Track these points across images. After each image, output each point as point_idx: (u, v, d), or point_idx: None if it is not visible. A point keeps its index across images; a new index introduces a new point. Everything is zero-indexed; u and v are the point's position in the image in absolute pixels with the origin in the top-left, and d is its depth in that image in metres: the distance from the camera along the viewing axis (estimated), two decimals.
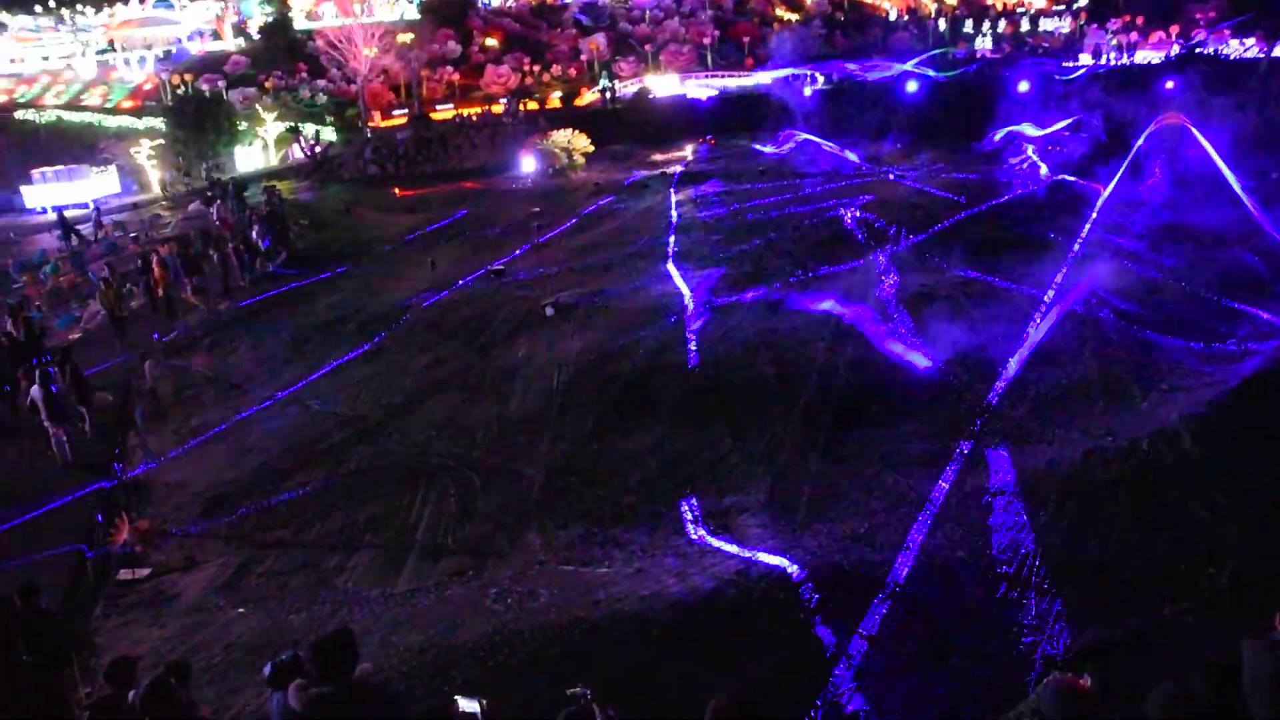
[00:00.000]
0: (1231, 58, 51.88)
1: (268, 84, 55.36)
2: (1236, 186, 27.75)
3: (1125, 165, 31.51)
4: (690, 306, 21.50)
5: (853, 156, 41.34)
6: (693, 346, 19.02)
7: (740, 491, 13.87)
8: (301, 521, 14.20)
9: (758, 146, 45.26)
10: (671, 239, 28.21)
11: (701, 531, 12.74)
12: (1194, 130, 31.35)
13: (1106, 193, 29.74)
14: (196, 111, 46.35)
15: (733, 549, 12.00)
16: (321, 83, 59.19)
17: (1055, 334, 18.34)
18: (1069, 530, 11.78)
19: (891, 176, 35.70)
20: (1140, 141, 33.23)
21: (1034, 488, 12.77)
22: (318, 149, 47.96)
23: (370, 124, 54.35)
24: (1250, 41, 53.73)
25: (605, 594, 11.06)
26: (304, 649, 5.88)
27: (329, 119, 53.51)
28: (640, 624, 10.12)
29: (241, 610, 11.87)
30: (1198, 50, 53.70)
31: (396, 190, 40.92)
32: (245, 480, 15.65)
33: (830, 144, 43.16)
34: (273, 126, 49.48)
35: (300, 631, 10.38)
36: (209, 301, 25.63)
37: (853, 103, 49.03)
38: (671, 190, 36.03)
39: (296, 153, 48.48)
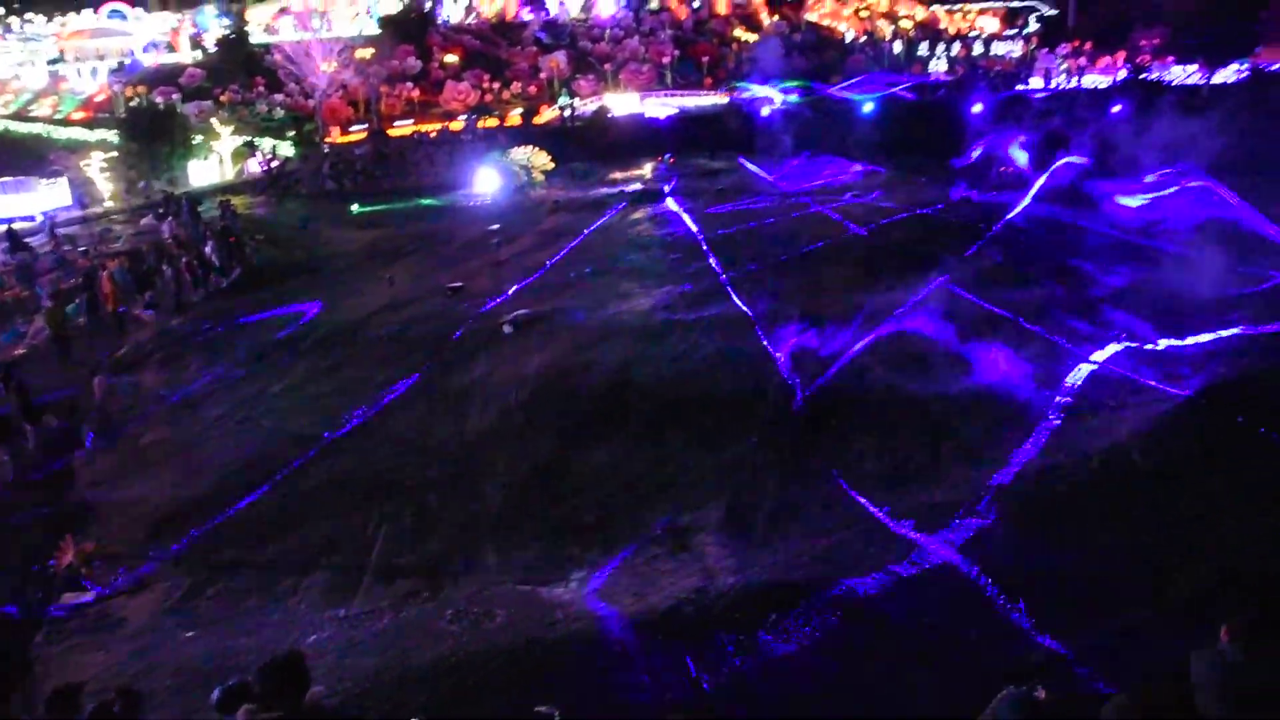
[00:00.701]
0: (1175, 83, 53.23)
1: (224, 97, 54.81)
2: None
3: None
4: (650, 324, 21.53)
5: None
6: (652, 364, 19.04)
7: (699, 509, 13.86)
8: (254, 542, 13.98)
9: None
10: (631, 256, 28.27)
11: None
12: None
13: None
14: (150, 124, 45.67)
15: None
16: (279, 97, 58.69)
17: (1007, 349, 18.59)
18: (1024, 545, 11.92)
19: (849, 197, 36.00)
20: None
21: (989, 504, 12.92)
22: (274, 164, 47.49)
23: (328, 139, 53.94)
24: (1193, 68, 55.22)
25: (562, 614, 11.00)
26: (254, 673, 5.78)
27: (287, 134, 53.00)
28: (597, 644, 10.06)
29: (191, 634, 11.64)
30: (1143, 76, 55.04)
31: (354, 206, 40.60)
32: (196, 500, 15.37)
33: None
34: (229, 140, 48.93)
35: (251, 655, 10.18)
36: (161, 317, 25.22)
37: (813, 122, 49.54)
38: (630, 208, 36.13)
39: (253, 167, 47.97)
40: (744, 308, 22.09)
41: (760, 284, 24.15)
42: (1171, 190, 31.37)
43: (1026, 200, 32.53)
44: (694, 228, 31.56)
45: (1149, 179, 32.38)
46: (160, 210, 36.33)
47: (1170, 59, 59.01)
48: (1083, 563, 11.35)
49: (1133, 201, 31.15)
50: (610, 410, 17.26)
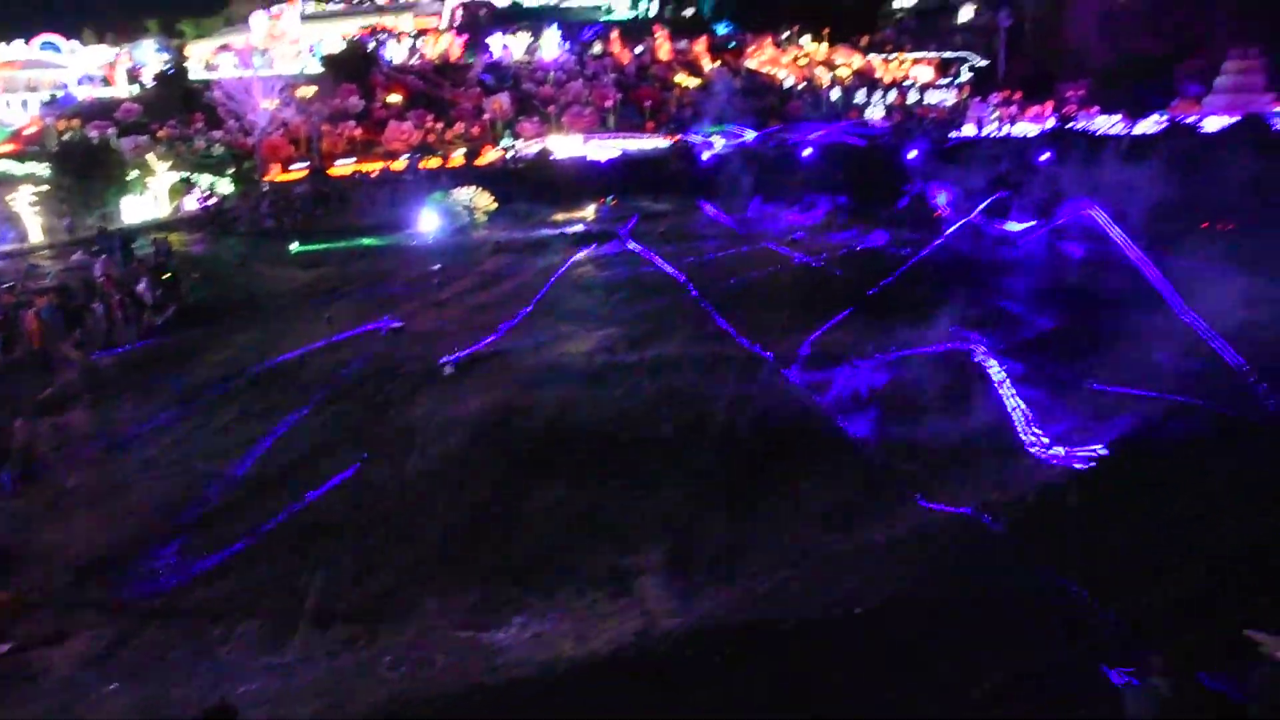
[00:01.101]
0: (1099, 133, 55.27)
1: (161, 133, 54.09)
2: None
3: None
4: (591, 365, 21.54)
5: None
6: (594, 405, 19.03)
7: (640, 551, 13.81)
8: (182, 589, 13.57)
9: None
10: (572, 297, 28.32)
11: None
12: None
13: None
14: (83, 158, 44.83)
15: None
16: (218, 134, 58.09)
17: (946, 390, 18.97)
18: (961, 584, 12.07)
19: (796, 237, 36.52)
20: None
21: (927, 542, 13.09)
22: (212, 201, 46.87)
23: (268, 177, 53.43)
24: (1116, 118, 57.42)
25: (503, 659, 10.85)
26: None
27: (225, 171, 52.39)
28: (538, 690, 9.93)
29: (115, 686, 11.23)
30: (1070, 126, 57.07)
31: (294, 245, 40.13)
32: (124, 545, 14.89)
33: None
34: (165, 176, 48.14)
35: (180, 708, 9.88)
36: (90, 357, 24.58)
37: (760, 166, 50.41)
38: (572, 249, 36.27)
39: (190, 204, 47.27)
40: (686, 348, 22.22)
41: (702, 325, 24.35)
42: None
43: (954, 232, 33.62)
44: (635, 268, 31.78)
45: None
46: (94, 247, 35.57)
47: (1095, 109, 61.29)
48: (1022, 597, 11.55)
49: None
50: (551, 452, 17.18)
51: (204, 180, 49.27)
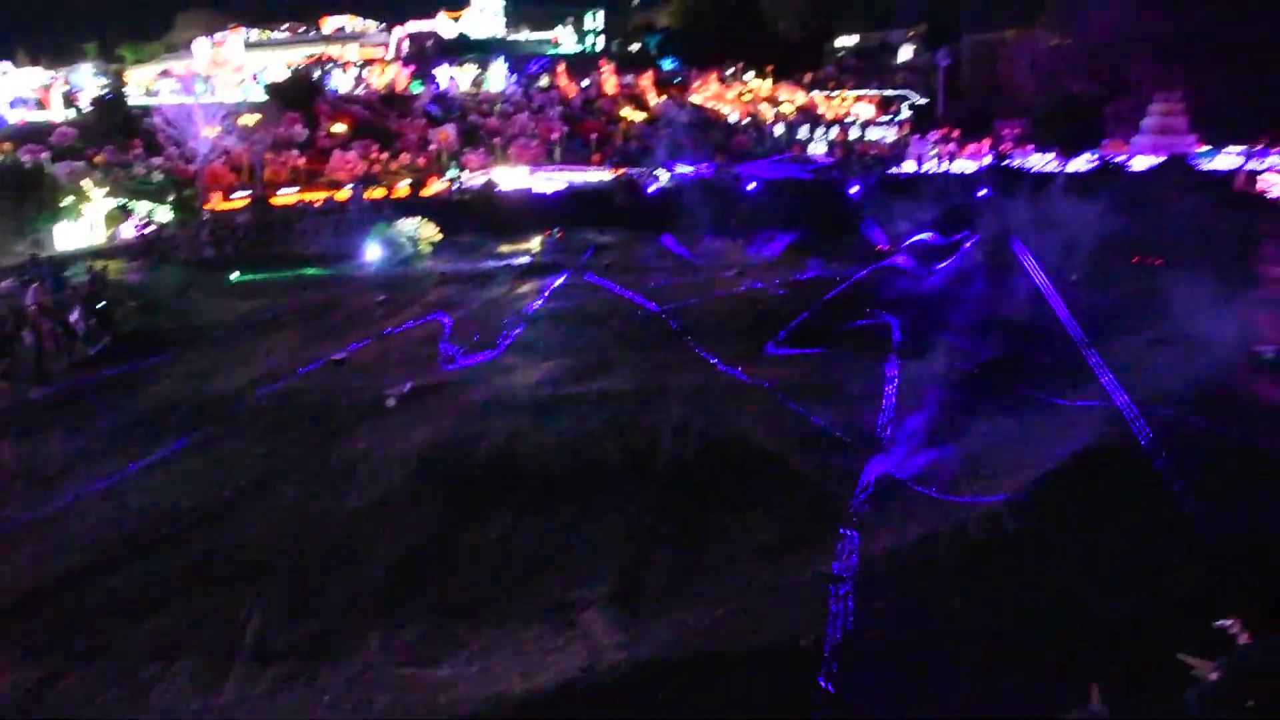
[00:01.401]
0: (1034, 170, 56.82)
1: (98, 159, 53.03)
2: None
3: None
4: (537, 396, 21.47)
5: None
6: (540, 436, 18.96)
7: (587, 583, 13.73)
8: (114, 627, 13.17)
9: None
10: (517, 329, 28.24)
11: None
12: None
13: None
14: (15, 183, 43.80)
15: None
16: (158, 160, 57.15)
17: (889, 421, 19.23)
18: (903, 613, 12.19)
19: (729, 274, 36.84)
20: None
21: (872, 574, 13.20)
22: (150, 229, 46.04)
23: (208, 205, 52.66)
24: (1050, 156, 59.09)
25: (446, 697, 10.70)
26: None
27: (165, 198, 51.53)
28: None
29: None
30: (1005, 162, 58.58)
31: (234, 275, 39.56)
32: (52, 583, 14.42)
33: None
34: (101, 203, 47.23)
35: None
36: (19, 387, 23.92)
37: (697, 199, 50.86)
38: (518, 281, 36.25)
39: (127, 232, 46.39)
40: (632, 380, 22.26)
41: (649, 356, 24.44)
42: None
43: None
44: (579, 300, 31.84)
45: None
46: (24, 275, 34.67)
47: (1030, 147, 63.03)
48: (957, 630, 11.69)
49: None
50: (496, 485, 17.05)
51: (142, 207, 48.42)
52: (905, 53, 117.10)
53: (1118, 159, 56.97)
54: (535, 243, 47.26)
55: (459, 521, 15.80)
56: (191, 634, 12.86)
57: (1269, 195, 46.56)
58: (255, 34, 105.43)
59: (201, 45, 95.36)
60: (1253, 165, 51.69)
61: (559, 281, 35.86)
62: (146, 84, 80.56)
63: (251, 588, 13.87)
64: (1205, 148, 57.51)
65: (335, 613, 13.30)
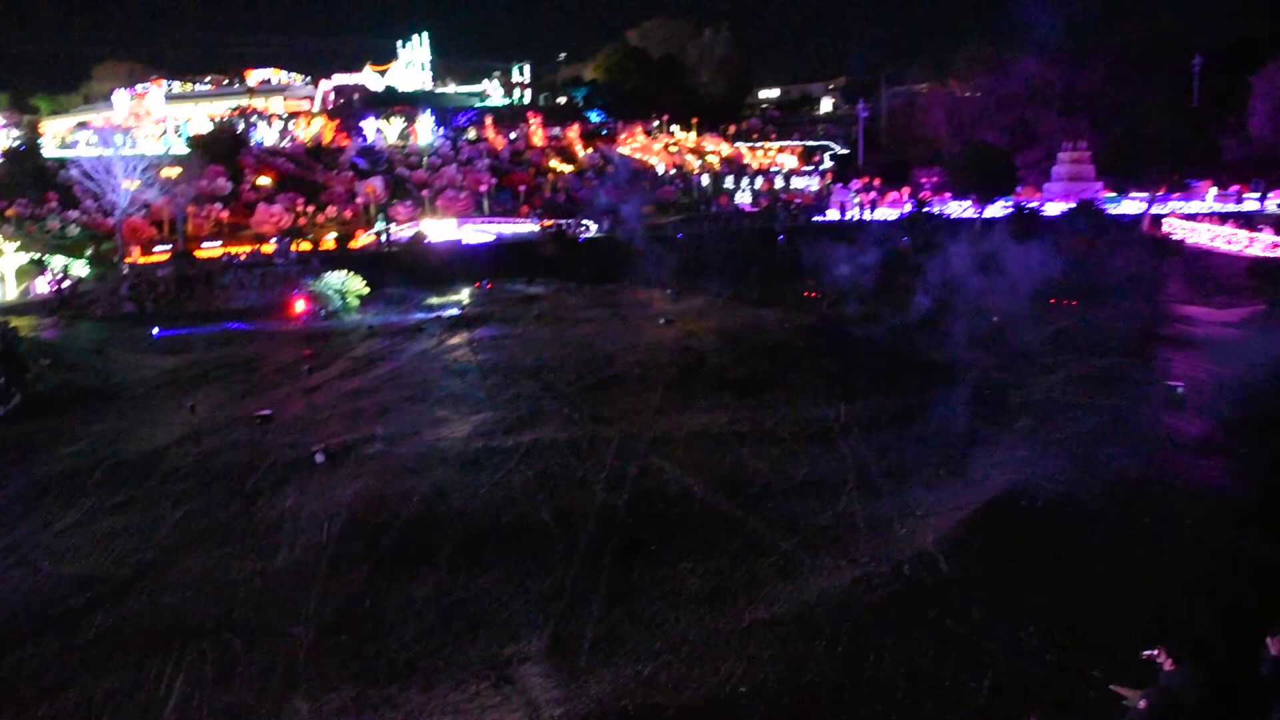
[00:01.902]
0: (952, 217, 58.47)
1: (10, 212, 51.74)
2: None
3: None
4: (467, 450, 21.29)
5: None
6: (470, 491, 18.76)
7: (521, 639, 13.56)
8: (24, 702, 12.61)
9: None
10: (447, 382, 28.04)
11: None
12: None
13: None
14: None
15: None
16: (74, 214, 55.95)
17: (818, 466, 19.43)
18: (843, 656, 12.24)
19: (659, 323, 37.11)
20: None
21: (810, 616, 13.26)
22: (66, 284, 44.87)
23: (128, 259, 51.56)
24: (967, 203, 60.88)
25: None
26: None
27: (82, 252, 50.36)
28: None
29: None
30: (925, 210, 60.17)
31: (155, 330, 38.68)
32: None
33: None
34: (13, 258, 45.96)
35: None
36: None
37: (627, 249, 51.38)
38: (448, 333, 36.04)
39: (40, 287, 45.14)
40: (562, 432, 22.20)
41: (579, 407, 24.42)
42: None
43: None
44: (509, 352, 31.75)
45: None
46: None
47: (948, 195, 64.90)
48: (894, 671, 11.79)
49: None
50: (426, 540, 16.81)
51: (57, 262, 47.25)
52: (826, 104, 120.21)
53: (1031, 205, 58.93)
54: (465, 294, 47.12)
55: (388, 580, 15.52)
56: (106, 708, 12.36)
57: (1173, 238, 48.49)
58: (177, 86, 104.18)
59: (121, 97, 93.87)
60: (1156, 209, 53.89)
61: (489, 333, 35.76)
62: (63, 136, 78.95)
63: (170, 657, 13.41)
64: (1111, 194, 59.84)
65: (260, 680, 12.91)
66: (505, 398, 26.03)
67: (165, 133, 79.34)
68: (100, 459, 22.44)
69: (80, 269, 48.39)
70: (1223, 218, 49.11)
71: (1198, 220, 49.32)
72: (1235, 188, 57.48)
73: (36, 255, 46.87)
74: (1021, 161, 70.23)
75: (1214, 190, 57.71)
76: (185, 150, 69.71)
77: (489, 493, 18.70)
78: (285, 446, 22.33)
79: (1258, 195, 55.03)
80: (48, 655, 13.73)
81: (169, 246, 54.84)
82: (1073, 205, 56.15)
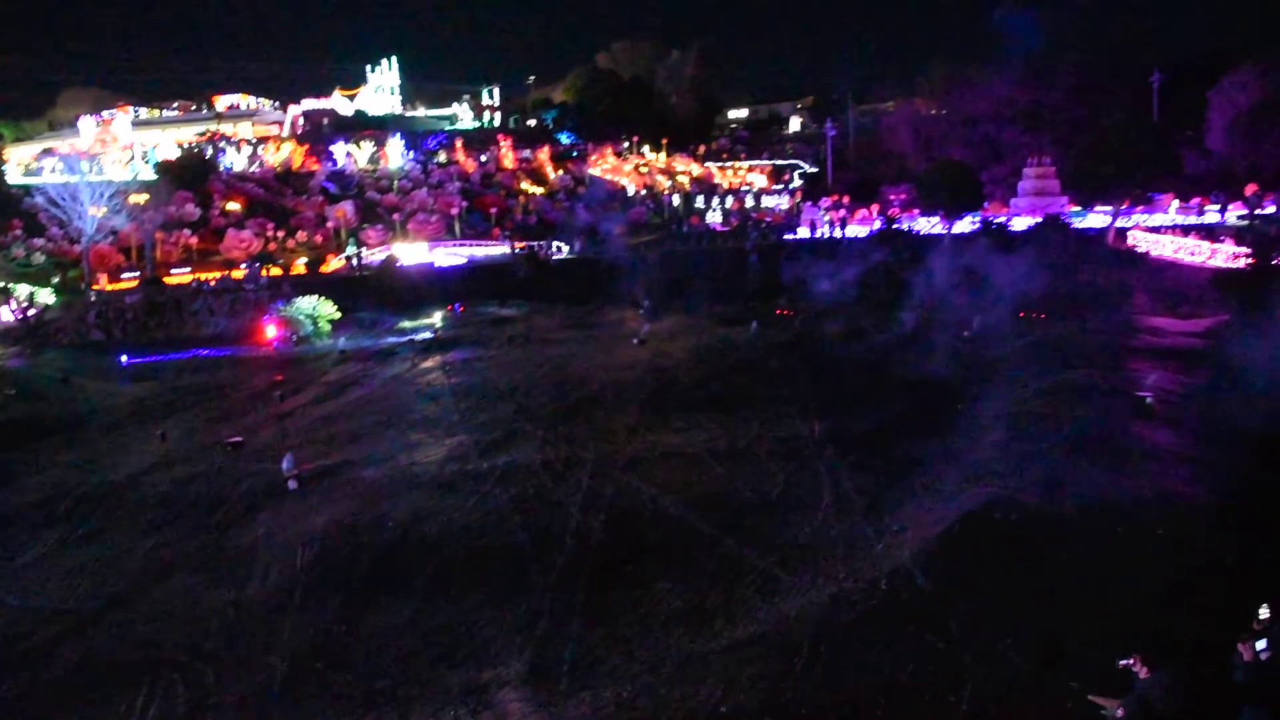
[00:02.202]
0: (921, 233, 58.99)
1: None
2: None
3: None
4: (442, 474, 21.16)
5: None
6: (445, 516, 18.64)
7: (500, 664, 13.47)
8: None
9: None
10: (421, 406, 27.90)
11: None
12: None
13: None
14: None
15: None
16: (40, 241, 55.36)
17: (794, 483, 19.45)
18: (823, 674, 12.24)
19: (632, 343, 37.11)
20: None
21: (788, 634, 13.25)
22: (32, 311, 44.33)
23: (96, 286, 51.04)
24: (935, 219, 61.45)
25: None
26: None
27: (49, 280, 49.82)
28: None
29: None
30: (895, 227, 60.65)
31: (124, 357, 38.26)
32: None
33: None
34: None
35: None
36: None
37: (600, 269, 51.41)
38: (420, 357, 35.88)
39: (5, 315, 44.58)
40: (537, 454, 22.12)
41: (553, 429, 24.35)
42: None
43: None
44: (483, 375, 31.65)
45: None
46: None
47: (916, 211, 65.51)
48: (875, 685, 11.81)
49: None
50: (402, 566, 16.68)
51: (22, 290, 46.69)
52: (794, 124, 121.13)
53: (999, 220, 59.56)
54: (437, 318, 46.97)
55: (363, 607, 15.38)
56: None
57: (1138, 250, 49.16)
58: (144, 112, 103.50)
59: (87, 123, 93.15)
60: (1121, 223, 54.65)
61: (462, 356, 35.63)
62: (27, 163, 78.19)
63: (141, 690, 13.21)
64: (1076, 208, 60.65)
65: (234, 712, 12.75)
66: (479, 421, 25.91)
67: (132, 159, 78.75)
68: (68, 489, 22.14)
69: (46, 297, 47.85)
70: (1185, 230, 49.86)
71: (1161, 233, 50.04)
72: (1196, 200, 58.41)
73: (1, 284, 46.28)
74: (988, 177, 71.10)
75: (1176, 203, 58.62)
76: (153, 176, 69.21)
77: (464, 517, 18.58)
78: (257, 473, 22.14)
79: (1218, 207, 55.95)
80: (16, 691, 13.50)
81: (137, 273, 54.35)
82: (1039, 220, 56.83)
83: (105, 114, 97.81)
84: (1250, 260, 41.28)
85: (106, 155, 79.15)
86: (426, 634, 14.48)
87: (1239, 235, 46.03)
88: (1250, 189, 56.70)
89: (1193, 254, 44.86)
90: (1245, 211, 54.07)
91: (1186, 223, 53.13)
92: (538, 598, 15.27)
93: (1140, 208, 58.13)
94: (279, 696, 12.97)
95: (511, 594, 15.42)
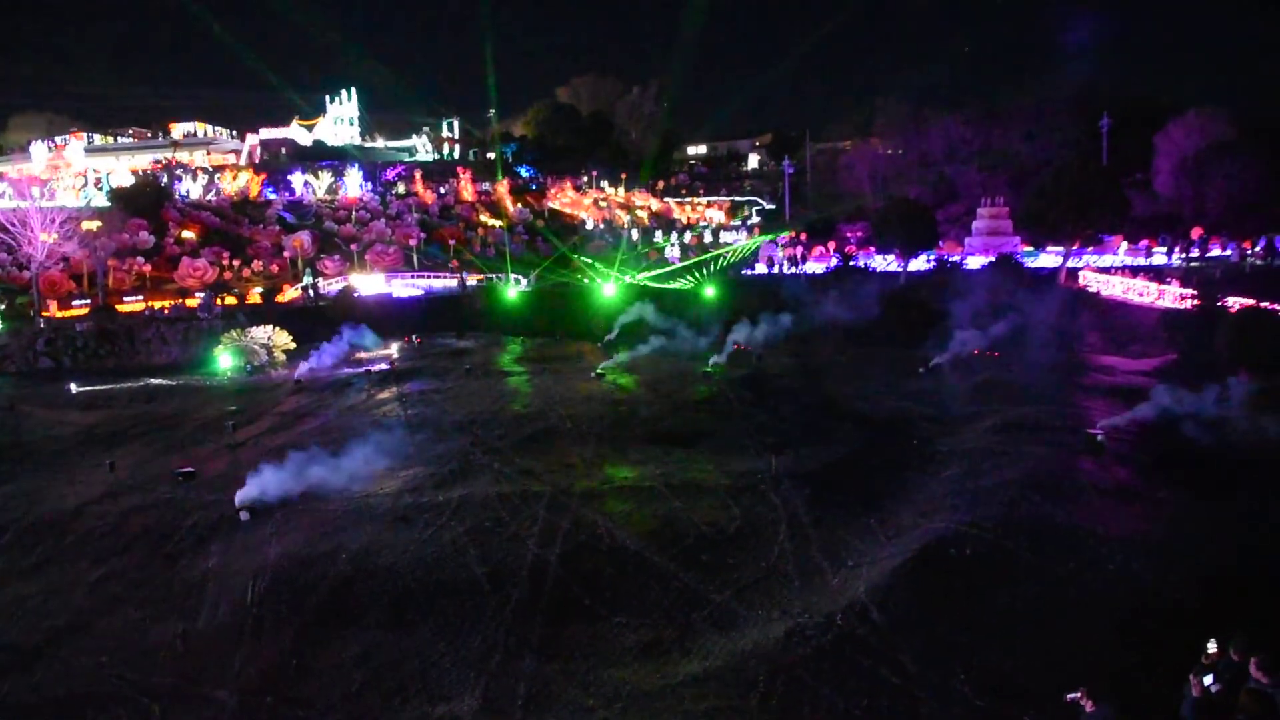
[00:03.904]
0: (877, 270, 59.87)
1: None
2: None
3: None
4: (397, 506, 20.94)
5: None
6: (399, 548, 18.43)
7: (453, 698, 13.32)
8: None
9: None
10: (376, 437, 27.60)
11: None
12: None
13: None
14: None
15: None
16: None
17: (751, 518, 19.49)
18: (778, 709, 12.24)
19: (590, 376, 37.14)
20: None
21: (744, 669, 13.24)
22: None
23: (45, 313, 50.15)
24: (891, 257, 62.40)
25: None
26: None
27: None
28: None
29: None
30: (851, 264, 61.47)
31: (73, 386, 37.54)
32: None
33: None
34: None
35: None
36: None
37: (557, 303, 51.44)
38: (376, 388, 35.55)
39: None
40: (493, 487, 21.98)
41: (510, 461, 24.22)
42: None
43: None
44: (439, 406, 31.43)
45: None
46: None
47: (872, 249, 66.50)
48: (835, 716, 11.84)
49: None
50: (355, 599, 16.47)
51: None
52: (752, 160, 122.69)
53: (953, 259, 60.58)
54: (394, 348, 46.64)
55: (315, 641, 15.17)
56: None
57: (1089, 290, 50.17)
58: (98, 138, 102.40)
59: (39, 148, 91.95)
60: (1072, 263, 55.81)
61: (418, 387, 35.36)
62: None
63: None
64: (1029, 248, 61.87)
65: None
66: (435, 453, 25.68)
67: (85, 185, 77.76)
68: (11, 519, 21.63)
69: None
70: (1134, 271, 51.00)
71: (1111, 273, 51.16)
72: (1144, 242, 59.87)
73: None
74: (943, 216, 72.43)
75: (1125, 245, 60.03)
76: (107, 203, 68.35)
77: (419, 550, 18.38)
78: (208, 504, 21.77)
79: (1165, 250, 57.39)
80: None
81: (88, 301, 53.52)
82: (992, 259, 57.88)
83: (58, 139, 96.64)
84: (1196, 301, 42.30)
85: (59, 181, 78.07)
86: (379, 668, 14.30)
87: (1184, 277, 47.17)
88: (1196, 232, 58.25)
89: (1142, 294, 45.85)
90: (1195, 254, 55.55)
91: (1135, 264, 54.39)
92: (492, 631, 15.15)
93: (1090, 248, 59.42)
94: None
95: (466, 628, 15.28)
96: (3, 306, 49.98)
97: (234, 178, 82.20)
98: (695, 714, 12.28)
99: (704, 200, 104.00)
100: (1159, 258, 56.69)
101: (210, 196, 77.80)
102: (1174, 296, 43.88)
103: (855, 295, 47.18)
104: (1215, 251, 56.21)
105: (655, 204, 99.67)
